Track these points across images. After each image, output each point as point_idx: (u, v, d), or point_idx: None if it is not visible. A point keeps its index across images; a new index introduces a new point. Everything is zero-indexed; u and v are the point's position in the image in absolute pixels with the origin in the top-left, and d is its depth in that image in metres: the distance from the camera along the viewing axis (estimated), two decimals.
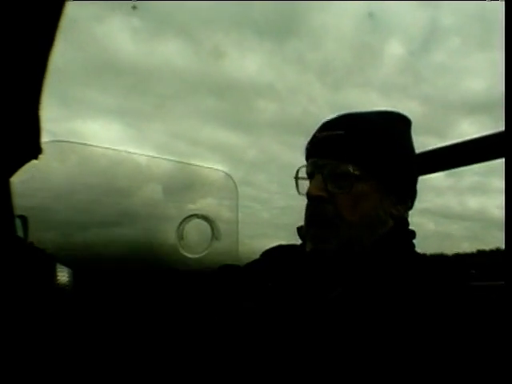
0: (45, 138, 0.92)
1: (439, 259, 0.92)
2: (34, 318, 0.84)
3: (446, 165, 1.40)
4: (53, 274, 0.88)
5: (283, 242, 1.13)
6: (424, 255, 0.95)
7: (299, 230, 1.01)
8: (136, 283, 1.00)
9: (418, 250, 0.97)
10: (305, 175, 1.00)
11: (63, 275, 0.88)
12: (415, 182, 1.02)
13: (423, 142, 1.45)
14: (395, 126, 1.01)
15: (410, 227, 1.01)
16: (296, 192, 1.02)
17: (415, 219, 1.03)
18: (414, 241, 0.99)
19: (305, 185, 0.99)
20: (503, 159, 0.92)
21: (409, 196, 1.00)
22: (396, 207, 0.96)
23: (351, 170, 0.92)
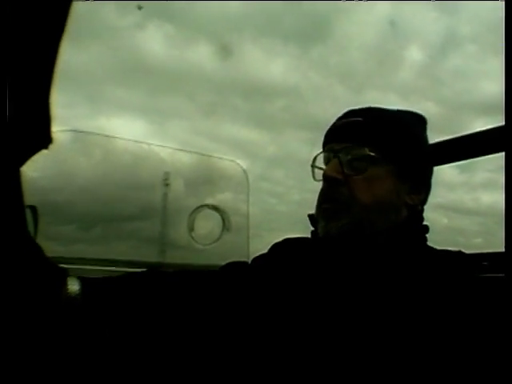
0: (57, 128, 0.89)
1: (451, 252, 0.87)
2: (43, 327, 0.81)
3: (446, 159, 1.35)
4: (63, 284, 0.84)
5: (291, 236, 1.09)
6: (436, 249, 0.90)
7: (311, 216, 0.97)
8: (143, 282, 0.96)
9: (432, 243, 0.93)
10: (321, 163, 0.96)
11: (73, 285, 0.85)
12: (430, 174, 0.99)
13: (438, 139, 1.41)
14: (412, 120, 0.98)
15: (424, 222, 0.95)
16: (311, 186, 0.98)
17: (428, 214, 0.99)
18: (427, 235, 0.94)
19: (321, 172, 0.95)
20: (503, 153, 0.88)
21: (423, 186, 0.96)
22: (410, 196, 0.92)
23: (367, 152, 0.88)
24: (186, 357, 0.95)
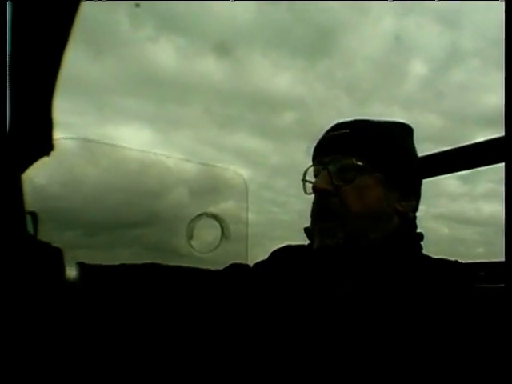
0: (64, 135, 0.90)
1: (447, 261, 0.87)
2: (42, 311, 0.80)
3: (446, 169, 1.34)
4: (62, 269, 0.84)
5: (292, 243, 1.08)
6: (432, 257, 0.90)
7: (306, 230, 0.97)
8: (143, 280, 0.95)
9: (433, 253, 0.92)
10: (312, 177, 0.98)
11: (71, 270, 0.85)
12: (419, 181, 1.00)
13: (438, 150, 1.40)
14: (398, 129, 0.99)
15: (421, 230, 0.96)
16: (313, 196, 0.97)
17: (430, 224, 0.98)
18: (424, 243, 0.95)
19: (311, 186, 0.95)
20: (503, 164, 0.87)
21: (413, 193, 0.97)
22: (400, 203, 0.93)
23: (355, 162, 0.90)
24: (182, 351, 0.94)
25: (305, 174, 1.00)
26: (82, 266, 0.89)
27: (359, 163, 0.89)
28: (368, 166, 0.90)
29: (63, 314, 0.83)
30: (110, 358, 0.90)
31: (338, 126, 0.97)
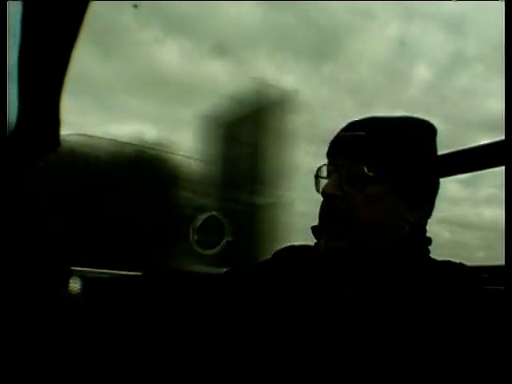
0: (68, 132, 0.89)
1: (452, 263, 0.86)
2: (45, 324, 0.80)
3: (445, 172, 1.33)
4: (65, 283, 0.84)
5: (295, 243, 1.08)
6: (437, 260, 0.89)
7: (313, 228, 0.96)
8: (144, 286, 0.96)
9: (434, 257, 0.91)
10: (325, 174, 0.96)
11: (75, 284, 0.85)
12: (434, 188, 0.96)
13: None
14: (418, 131, 0.95)
15: (427, 235, 0.94)
16: (317, 197, 0.97)
17: (432, 228, 0.97)
18: (430, 247, 0.93)
19: (324, 183, 0.94)
20: (503, 167, 0.88)
21: (426, 202, 0.94)
22: (412, 214, 0.90)
23: (366, 172, 0.87)
24: (184, 360, 0.94)
25: (318, 170, 0.97)
26: (83, 280, 0.89)
27: (370, 174, 0.87)
28: (379, 176, 0.88)
29: (66, 327, 0.84)
30: (116, 369, 0.90)
31: (353, 126, 0.94)
